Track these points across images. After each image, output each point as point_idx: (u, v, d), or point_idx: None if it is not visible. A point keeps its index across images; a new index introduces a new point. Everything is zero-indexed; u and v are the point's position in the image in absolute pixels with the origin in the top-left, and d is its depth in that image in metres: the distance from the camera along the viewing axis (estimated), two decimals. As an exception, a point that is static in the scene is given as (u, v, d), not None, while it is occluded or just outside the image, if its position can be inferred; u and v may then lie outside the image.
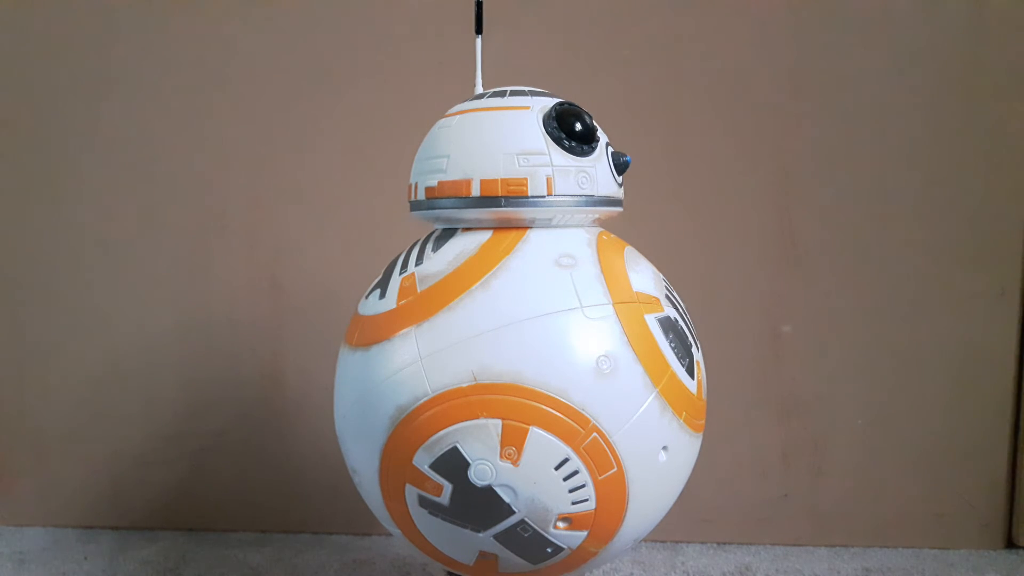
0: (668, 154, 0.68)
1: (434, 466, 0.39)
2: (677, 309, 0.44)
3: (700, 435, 0.45)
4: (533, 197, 0.41)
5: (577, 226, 0.44)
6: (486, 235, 0.42)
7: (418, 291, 0.41)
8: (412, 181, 0.45)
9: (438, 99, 0.52)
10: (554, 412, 0.38)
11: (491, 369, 0.38)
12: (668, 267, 0.48)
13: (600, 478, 0.39)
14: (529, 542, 0.40)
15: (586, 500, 0.39)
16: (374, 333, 0.42)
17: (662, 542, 0.70)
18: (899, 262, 0.67)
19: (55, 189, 0.73)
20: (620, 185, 0.45)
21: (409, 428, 0.39)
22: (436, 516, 0.41)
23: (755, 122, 0.67)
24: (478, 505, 0.39)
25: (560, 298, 0.40)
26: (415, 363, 0.39)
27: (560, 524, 0.40)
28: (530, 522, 0.39)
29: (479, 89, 0.47)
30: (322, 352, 0.60)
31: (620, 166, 0.44)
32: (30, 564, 0.67)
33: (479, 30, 0.48)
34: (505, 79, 0.49)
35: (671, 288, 0.46)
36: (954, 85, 0.65)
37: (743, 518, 0.70)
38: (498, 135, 0.42)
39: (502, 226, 0.43)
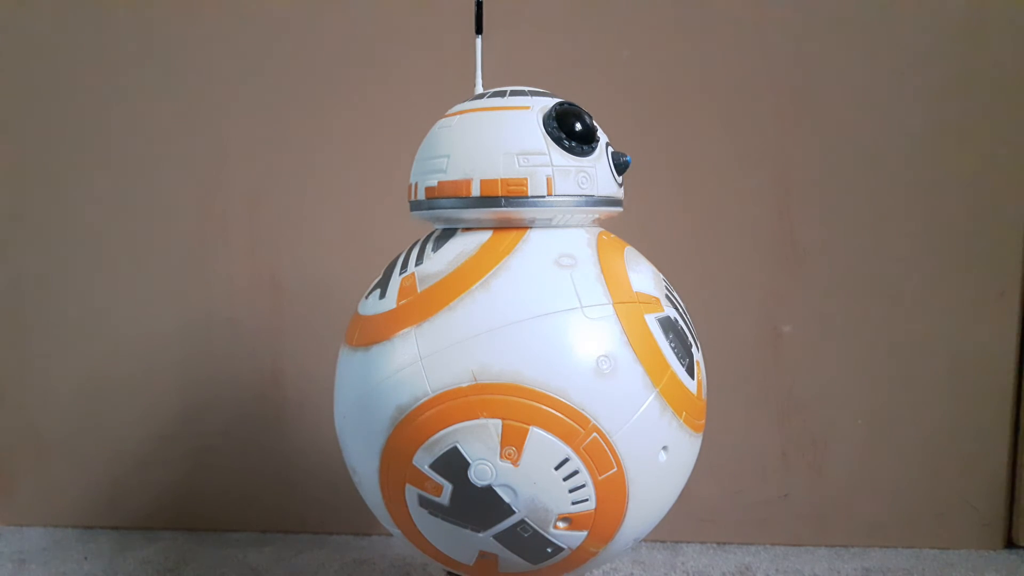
0: (668, 154, 0.68)
1: (434, 466, 0.39)
2: (677, 309, 0.44)
3: (700, 435, 0.45)
4: (533, 197, 0.41)
5: (577, 226, 0.44)
6: (486, 235, 0.42)
7: (418, 291, 0.41)
8: (412, 181, 0.45)
9: (438, 99, 0.52)
10: (554, 412, 0.38)
11: (491, 369, 0.38)
12: (668, 267, 0.48)
13: (600, 478, 0.39)
14: (529, 542, 0.40)
15: (586, 500, 0.39)
16: (374, 333, 0.42)
17: (662, 542, 0.70)
18: (899, 262, 0.67)
19: (55, 189, 0.73)
20: (620, 185, 0.45)
21: (409, 428, 0.39)
22: (436, 516, 0.41)
23: (755, 122, 0.67)
24: (478, 505, 0.39)
25: (560, 298, 0.40)
26: (415, 363, 0.39)
27: (560, 524, 0.40)
28: (530, 522, 0.39)
29: (479, 89, 0.47)
30: (322, 352, 0.60)
31: (620, 166, 0.44)
32: (30, 564, 0.67)
33: (479, 30, 0.48)
34: (505, 79, 0.49)
35: (671, 288, 0.46)
36: (954, 85, 0.65)
37: (743, 518, 0.70)
38: (498, 135, 0.42)
39: (502, 226, 0.43)
